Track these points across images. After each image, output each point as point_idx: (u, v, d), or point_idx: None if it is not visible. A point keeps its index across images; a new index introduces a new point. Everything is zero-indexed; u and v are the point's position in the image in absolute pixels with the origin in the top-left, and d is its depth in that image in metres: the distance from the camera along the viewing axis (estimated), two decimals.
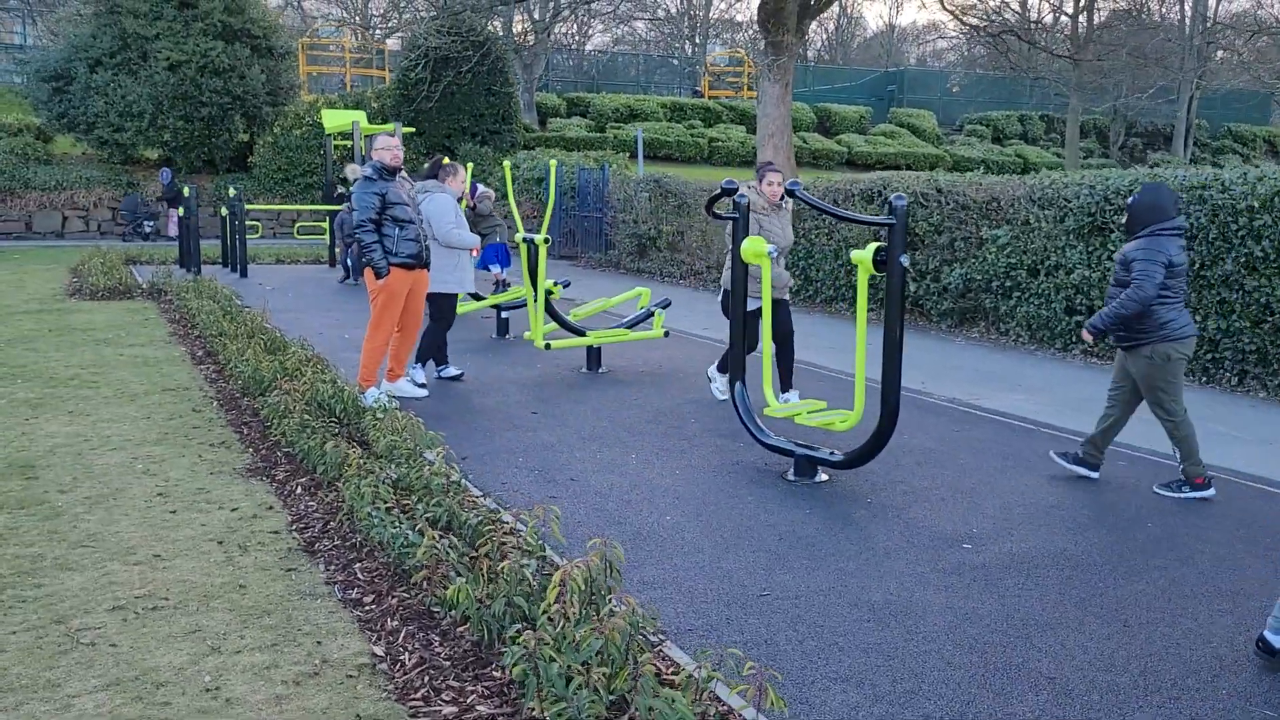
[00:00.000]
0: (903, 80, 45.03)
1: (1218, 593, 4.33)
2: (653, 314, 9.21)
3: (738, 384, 6.26)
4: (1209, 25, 41.12)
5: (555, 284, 9.20)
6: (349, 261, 15.73)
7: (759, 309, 7.01)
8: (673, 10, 54.01)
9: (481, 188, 11.49)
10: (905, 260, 5.28)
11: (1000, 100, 44.02)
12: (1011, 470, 6.16)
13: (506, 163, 8.68)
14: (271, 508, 5.21)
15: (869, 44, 67.40)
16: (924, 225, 12.06)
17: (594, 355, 8.93)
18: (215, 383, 8.19)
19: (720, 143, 33.63)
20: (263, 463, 6.00)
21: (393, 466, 5.18)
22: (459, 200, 8.26)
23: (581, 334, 8.75)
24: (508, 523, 4.54)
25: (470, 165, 11.36)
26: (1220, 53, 41.74)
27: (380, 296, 7.37)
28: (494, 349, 10.09)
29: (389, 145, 7.36)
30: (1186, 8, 43.03)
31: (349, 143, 22.71)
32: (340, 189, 19.12)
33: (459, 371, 8.55)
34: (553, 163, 9.61)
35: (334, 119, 20.70)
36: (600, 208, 18.45)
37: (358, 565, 4.39)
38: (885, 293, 5.35)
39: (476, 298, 11.00)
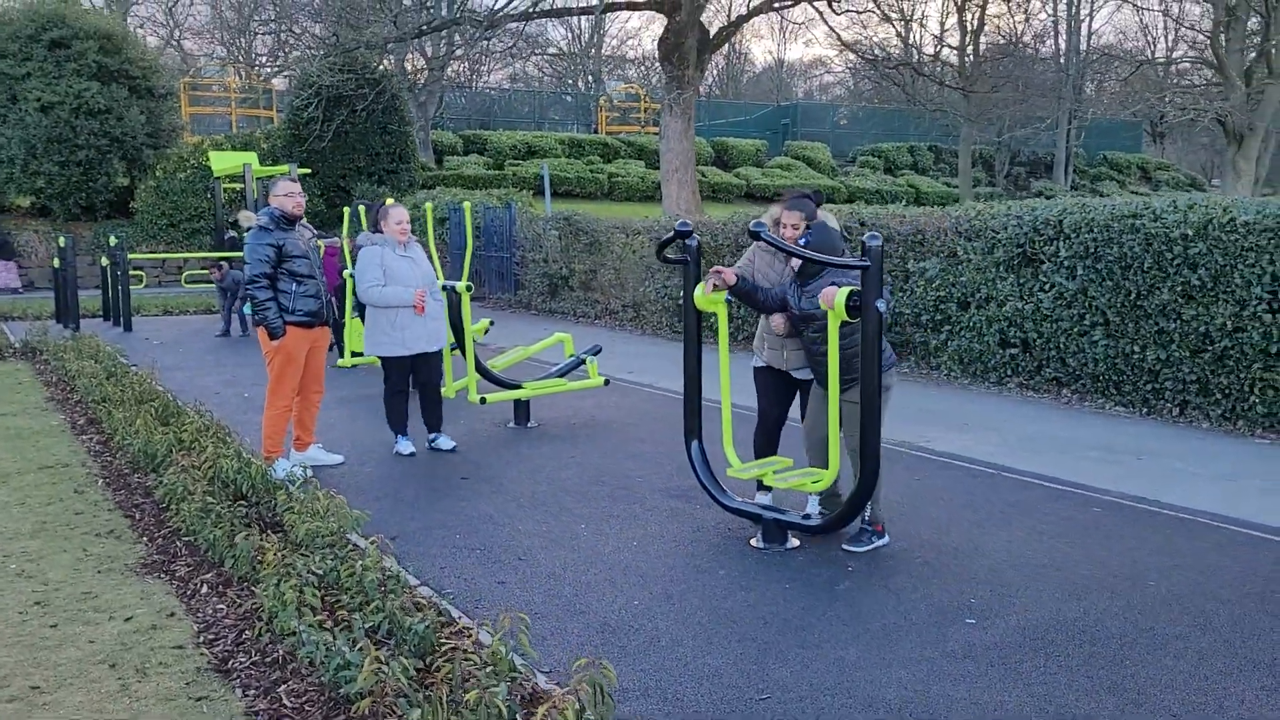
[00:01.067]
0: (796, 114, 45.55)
1: (1253, 664, 3.93)
2: (583, 361, 8.65)
3: (694, 442, 5.73)
4: (1083, 58, 42.69)
5: (484, 323, 8.62)
6: (235, 314, 14.81)
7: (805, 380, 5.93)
8: (565, 47, 53.86)
9: None
10: (883, 305, 4.85)
11: (890, 132, 44.86)
12: (988, 524, 5.76)
13: (428, 204, 8.04)
14: (173, 614, 4.47)
15: (758, 79, 68.30)
16: None
17: (522, 409, 8.32)
18: (100, 457, 7.33)
19: (620, 178, 33.35)
20: (160, 555, 5.24)
21: (316, 559, 4.50)
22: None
23: (516, 387, 8.13)
24: (467, 628, 3.91)
25: (346, 209, 10.70)
26: (1091, 86, 43.34)
27: (276, 359, 6.66)
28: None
29: (291, 191, 6.67)
30: (1061, 42, 44.70)
31: (240, 186, 21.67)
32: (232, 233, 18.14)
33: (452, 444, 7.59)
34: (467, 205, 9.01)
35: (223, 161, 19.72)
36: (507, 247, 17.83)
37: (283, 688, 3.70)
38: (861, 341, 4.90)
39: None
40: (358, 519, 5.11)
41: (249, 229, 6.70)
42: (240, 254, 19.32)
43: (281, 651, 3.93)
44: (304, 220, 6.89)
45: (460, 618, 4.23)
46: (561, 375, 8.55)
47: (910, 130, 44.82)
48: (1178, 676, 3.83)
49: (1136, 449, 7.68)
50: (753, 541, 5.38)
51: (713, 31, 24.22)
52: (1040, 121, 38.80)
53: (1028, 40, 42.84)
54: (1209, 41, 19.50)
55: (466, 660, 3.31)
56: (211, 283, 16.08)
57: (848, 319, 4.94)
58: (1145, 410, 9.03)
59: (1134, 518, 5.89)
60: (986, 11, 34.29)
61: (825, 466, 5.50)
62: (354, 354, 11.20)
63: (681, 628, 4.29)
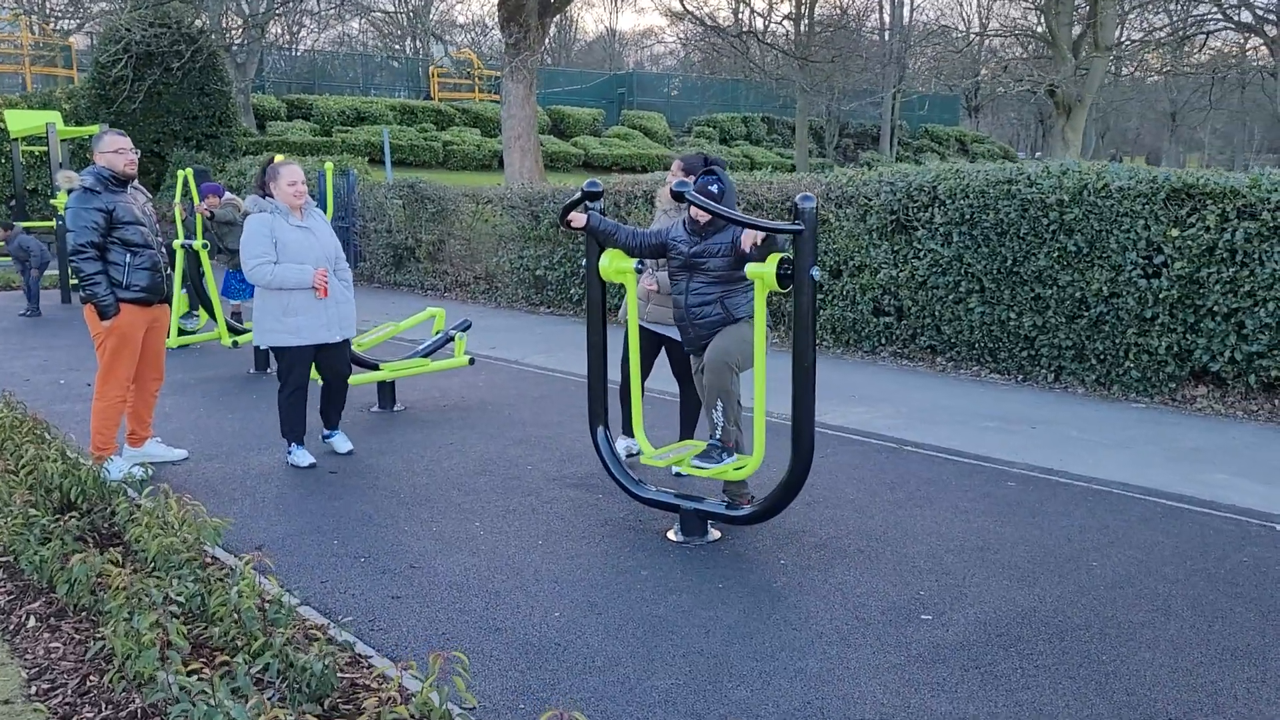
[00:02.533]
0: (632, 83, 45.22)
1: (1230, 653, 3.70)
2: (452, 338, 7.95)
3: (600, 428, 5.18)
4: (906, 31, 43.90)
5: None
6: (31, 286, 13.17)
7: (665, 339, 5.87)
8: (393, 8, 51.75)
9: (228, 194, 9.75)
10: (816, 273, 4.42)
11: (724, 103, 45.12)
12: (909, 504, 5.45)
13: (329, 164, 7.17)
14: None
15: (590, 48, 67.64)
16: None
17: (387, 391, 7.58)
18: None
19: (455, 146, 32.22)
20: None
21: (175, 583, 3.76)
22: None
23: (375, 368, 7.37)
24: (363, 656, 3.27)
25: (188, 170, 9.51)
26: (913, 61, 44.74)
27: (108, 342, 5.74)
28: (255, 388, 8.48)
29: (121, 147, 5.74)
30: (886, 17, 45.88)
31: (43, 148, 19.70)
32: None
33: (349, 446, 6.44)
34: (329, 165, 8.20)
35: (21, 121, 17.76)
36: (346, 216, 16.75)
37: None
38: (794, 313, 4.46)
39: (235, 330, 9.31)
40: (217, 529, 4.36)
41: (70, 191, 5.73)
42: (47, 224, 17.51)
43: (141, 704, 3.21)
44: (137, 182, 5.95)
45: (351, 641, 3.59)
46: (427, 355, 7.84)
47: (742, 101, 45.19)
48: (1160, 671, 3.56)
49: (1028, 418, 7.58)
50: (670, 534, 4.90)
51: None
52: (869, 95, 39.75)
53: (853, 15, 43.77)
54: (1041, 15, 20.08)
55: (392, 714, 2.69)
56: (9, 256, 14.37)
57: (778, 289, 4.50)
58: (1021, 377, 9.00)
59: (1050, 491, 5.69)
60: None
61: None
62: (180, 333, 10.17)
63: (616, 643, 3.77)
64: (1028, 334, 8.90)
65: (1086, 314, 8.51)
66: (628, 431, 5.96)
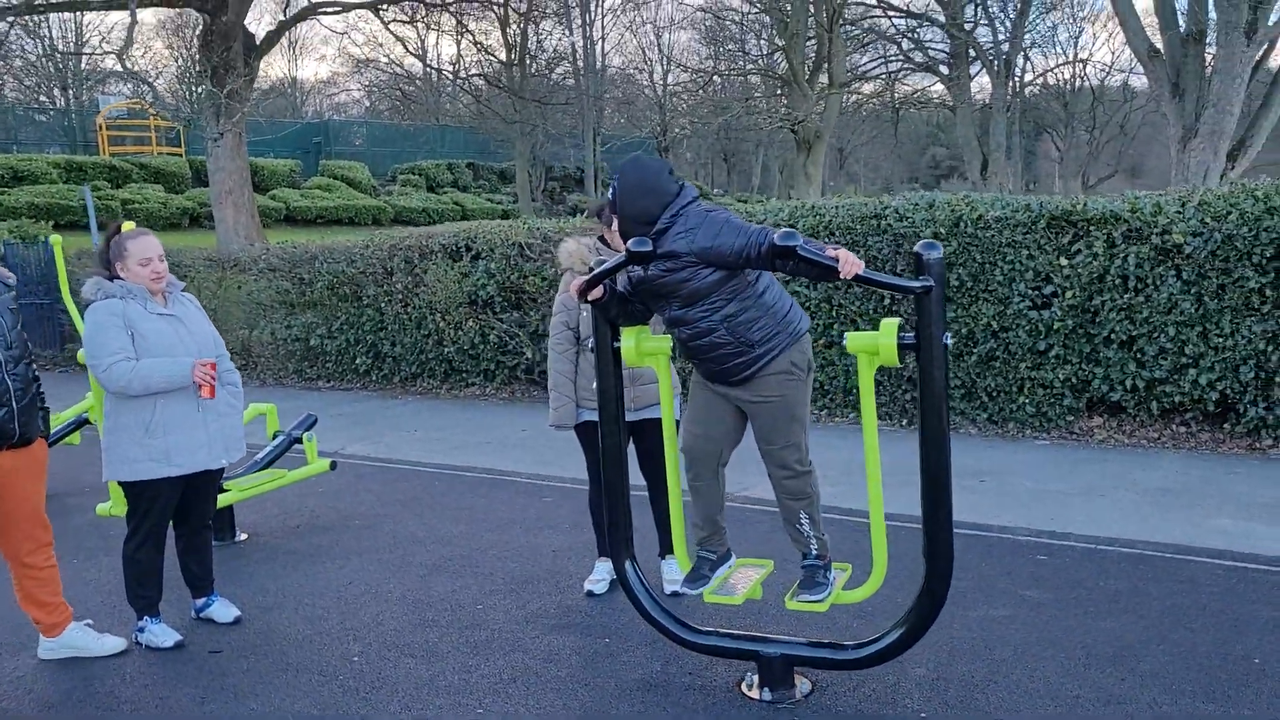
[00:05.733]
0: (328, 131, 42.96)
1: None
2: (299, 440, 6.29)
3: (627, 562, 3.92)
4: (600, 76, 44.51)
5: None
6: None
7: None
8: (32, 58, 46.19)
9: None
10: (949, 339, 3.47)
11: (427, 151, 43.84)
12: (966, 600, 4.57)
13: (56, 238, 5.36)
14: None
15: (267, 95, 63.88)
16: (536, 281, 10.19)
17: (224, 518, 5.80)
18: None
19: (137, 204, 28.75)
20: None
21: None
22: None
23: (219, 489, 5.59)
24: None
25: None
26: (608, 109, 45.54)
27: None
28: None
29: None
30: (580, 62, 46.29)
31: None
32: None
33: (235, 613, 4.65)
34: (56, 240, 6.40)
35: None
36: (49, 292, 14.05)
37: None
38: (922, 390, 3.48)
39: None
40: None
41: None
42: None
43: None
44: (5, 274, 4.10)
45: None
46: (270, 463, 6.16)
47: (438, 148, 44.06)
48: None
49: (956, 468, 6.98)
50: (746, 689, 3.74)
51: (259, 37, 21.40)
52: (572, 136, 39.86)
53: (547, 58, 43.78)
54: (784, 56, 20.47)
55: None
56: None
57: (895, 364, 3.51)
58: (906, 421, 8.47)
59: (1092, 563, 5.01)
60: (526, 30, 34.18)
61: (714, 501, 3.98)
62: None
63: None
64: (911, 375, 8.38)
65: (975, 350, 8.10)
66: (605, 552, 4.77)
